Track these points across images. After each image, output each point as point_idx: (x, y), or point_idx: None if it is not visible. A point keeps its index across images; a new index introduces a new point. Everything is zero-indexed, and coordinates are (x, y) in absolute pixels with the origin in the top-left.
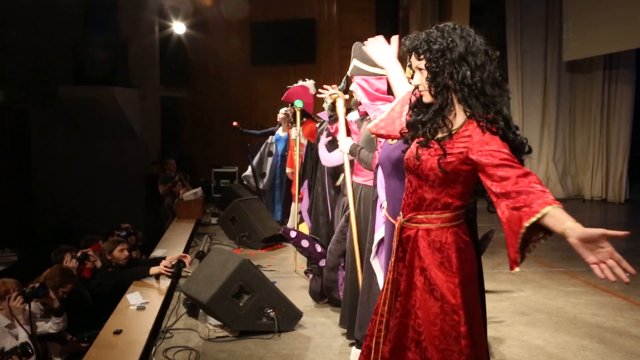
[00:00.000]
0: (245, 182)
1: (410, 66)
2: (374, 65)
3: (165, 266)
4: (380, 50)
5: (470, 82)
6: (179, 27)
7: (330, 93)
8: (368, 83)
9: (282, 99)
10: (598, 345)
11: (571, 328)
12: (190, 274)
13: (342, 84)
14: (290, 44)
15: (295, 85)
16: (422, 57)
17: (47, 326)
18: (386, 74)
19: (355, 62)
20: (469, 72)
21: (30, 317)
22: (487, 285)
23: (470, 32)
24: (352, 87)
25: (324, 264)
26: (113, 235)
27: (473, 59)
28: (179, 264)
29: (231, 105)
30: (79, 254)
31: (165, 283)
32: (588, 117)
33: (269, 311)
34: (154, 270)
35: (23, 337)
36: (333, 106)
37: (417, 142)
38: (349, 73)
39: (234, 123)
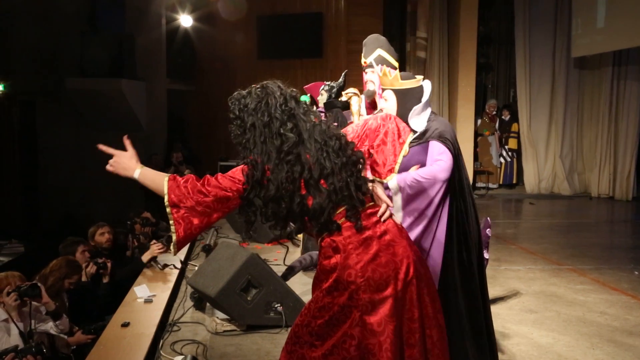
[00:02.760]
0: None
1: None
2: (396, 59)
3: (159, 249)
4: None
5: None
6: (185, 20)
7: (346, 92)
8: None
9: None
10: (608, 344)
11: (580, 326)
12: (197, 268)
13: (341, 80)
14: (297, 38)
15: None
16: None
17: (49, 326)
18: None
19: (380, 52)
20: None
21: (31, 314)
22: (495, 283)
23: (276, 109)
24: (371, 77)
25: None
26: (135, 223)
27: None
28: (168, 239)
29: None
30: (100, 261)
31: (172, 277)
32: (596, 113)
33: (276, 305)
34: (146, 256)
35: (15, 333)
36: (328, 104)
37: None
38: (372, 61)
39: None
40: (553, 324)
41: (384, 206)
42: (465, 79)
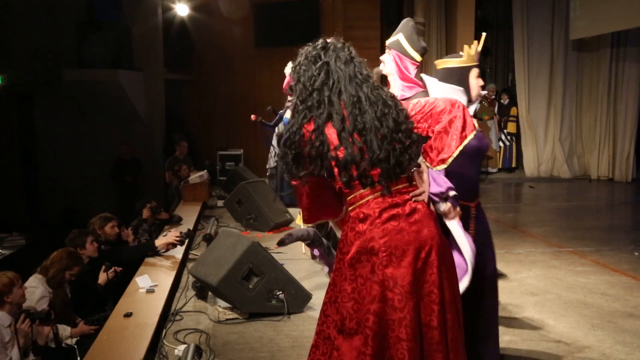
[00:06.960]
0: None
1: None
2: (416, 50)
3: (176, 237)
4: None
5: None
6: (182, 9)
7: None
8: (401, 60)
9: None
10: (608, 325)
11: (581, 308)
12: (198, 257)
13: None
14: (294, 25)
15: None
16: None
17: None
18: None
19: (399, 37)
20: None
21: (32, 333)
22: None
23: (307, 65)
24: (384, 57)
25: None
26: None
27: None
28: (188, 233)
29: (235, 86)
30: (111, 271)
31: (175, 265)
32: (595, 96)
33: (278, 293)
34: (160, 242)
35: (15, 354)
36: None
37: None
38: (387, 42)
39: (253, 117)
40: (554, 306)
41: (421, 189)
42: None
